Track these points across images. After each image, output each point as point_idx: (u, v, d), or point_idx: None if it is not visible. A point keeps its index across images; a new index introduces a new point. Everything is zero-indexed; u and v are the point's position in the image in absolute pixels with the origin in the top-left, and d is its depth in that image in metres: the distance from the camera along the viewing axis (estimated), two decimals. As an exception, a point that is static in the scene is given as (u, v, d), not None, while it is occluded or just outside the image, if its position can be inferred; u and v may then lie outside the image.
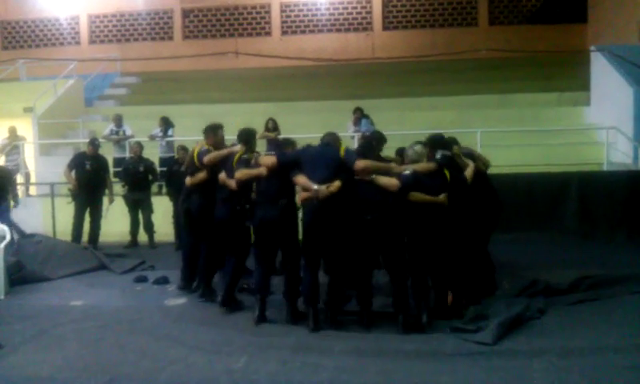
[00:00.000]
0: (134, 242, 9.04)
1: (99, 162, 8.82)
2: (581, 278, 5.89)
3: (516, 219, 8.61)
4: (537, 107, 12.25)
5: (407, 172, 5.01)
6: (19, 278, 6.92)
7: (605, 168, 9.80)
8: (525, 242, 8.27)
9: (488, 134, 10.11)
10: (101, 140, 10.99)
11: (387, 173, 5.00)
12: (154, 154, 10.16)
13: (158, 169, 9.54)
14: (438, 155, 5.37)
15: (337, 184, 4.88)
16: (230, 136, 8.40)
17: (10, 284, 6.65)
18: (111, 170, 9.87)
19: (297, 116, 12.07)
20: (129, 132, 10.88)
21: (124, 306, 6.04)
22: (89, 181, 8.63)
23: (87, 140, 9.46)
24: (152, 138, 10.68)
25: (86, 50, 16.71)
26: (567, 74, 13.24)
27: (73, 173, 8.68)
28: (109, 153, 10.72)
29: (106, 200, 8.86)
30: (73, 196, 8.68)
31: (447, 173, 5.18)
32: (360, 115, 10.39)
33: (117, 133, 10.79)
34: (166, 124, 10.65)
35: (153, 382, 4.19)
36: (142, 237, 9.15)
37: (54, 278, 7.16)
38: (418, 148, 5.26)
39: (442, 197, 5.05)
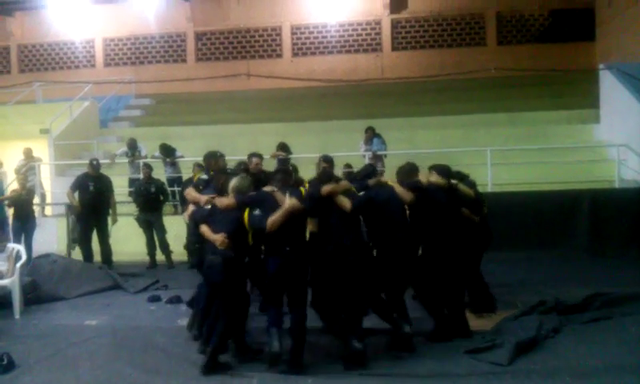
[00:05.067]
0: (152, 262, 9.10)
1: (102, 183, 8.92)
2: (593, 295, 5.84)
3: (527, 237, 8.63)
4: (546, 125, 12.26)
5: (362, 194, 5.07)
6: (34, 297, 7.01)
7: (616, 185, 9.76)
8: (536, 260, 8.26)
9: (498, 152, 10.13)
10: (117, 161, 11.18)
11: (349, 193, 4.95)
12: (159, 174, 10.21)
13: (169, 189, 9.65)
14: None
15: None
16: (242, 157, 8.55)
17: (25, 303, 6.74)
18: (126, 190, 10.00)
19: (308, 136, 12.17)
20: (144, 153, 11.02)
21: (138, 326, 6.10)
22: (93, 201, 8.73)
23: (105, 160, 9.57)
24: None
25: (101, 72, 17.00)
26: (576, 92, 13.26)
27: (76, 194, 8.78)
28: (124, 174, 10.88)
29: (110, 220, 8.94)
30: (77, 217, 8.79)
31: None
32: (372, 134, 10.47)
33: (132, 154, 10.93)
34: (166, 151, 10.69)
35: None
36: (159, 256, 9.21)
37: (69, 298, 7.25)
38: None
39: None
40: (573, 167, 10.35)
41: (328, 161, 6.56)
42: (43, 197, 11.29)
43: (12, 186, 10.23)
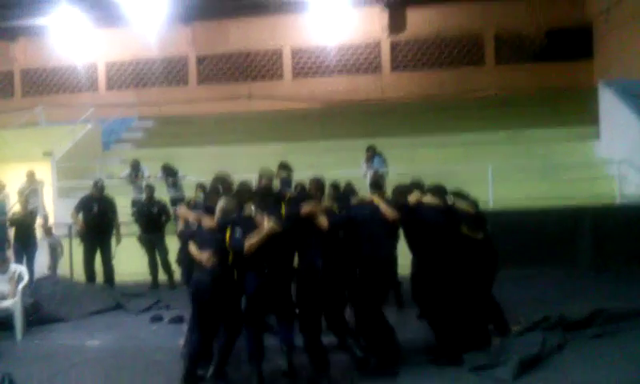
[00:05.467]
0: (154, 282, 9.08)
1: (106, 204, 8.96)
2: (597, 311, 5.82)
3: (529, 254, 8.59)
4: (546, 143, 12.29)
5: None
6: (36, 318, 7.01)
7: (617, 201, 9.77)
8: (538, 277, 8.22)
9: (498, 170, 10.16)
10: (117, 181, 11.25)
11: (329, 212, 4.97)
12: (162, 195, 10.24)
13: (171, 210, 9.67)
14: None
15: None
16: (243, 176, 8.58)
17: (27, 325, 6.73)
18: (129, 210, 10.02)
19: (310, 156, 12.21)
20: (147, 173, 11.07)
21: (140, 346, 6.08)
22: (96, 222, 8.75)
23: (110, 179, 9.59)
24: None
25: (103, 95, 17.17)
26: (576, 109, 13.32)
27: (80, 215, 8.82)
28: (127, 194, 10.91)
29: (114, 241, 8.96)
30: (81, 238, 8.82)
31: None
32: (373, 153, 10.51)
33: (135, 175, 10.98)
34: (168, 172, 10.75)
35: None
36: (161, 276, 9.20)
37: (71, 319, 7.25)
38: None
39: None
40: (573, 184, 10.36)
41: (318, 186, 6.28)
42: (46, 219, 11.31)
43: (14, 208, 10.27)
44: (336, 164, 10.52)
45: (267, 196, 5.09)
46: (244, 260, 4.72)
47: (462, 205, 5.59)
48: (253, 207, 4.87)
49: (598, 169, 11.15)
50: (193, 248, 4.93)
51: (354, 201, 5.37)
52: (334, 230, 4.90)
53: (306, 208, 4.85)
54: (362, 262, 5.05)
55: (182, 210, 5.64)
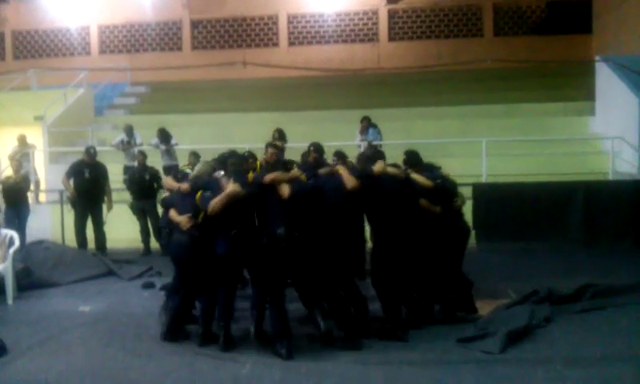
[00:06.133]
0: (146, 249, 9.07)
1: (98, 170, 8.89)
2: (585, 286, 5.87)
3: (521, 228, 8.65)
4: (542, 117, 12.27)
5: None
6: (27, 283, 7.00)
7: (610, 177, 9.79)
8: (530, 251, 8.31)
9: (493, 143, 10.14)
10: (109, 148, 11.16)
11: (294, 181, 4.94)
12: (155, 162, 10.17)
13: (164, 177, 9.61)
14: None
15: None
16: (238, 145, 8.54)
17: (18, 289, 6.73)
18: (121, 177, 9.96)
19: (304, 125, 12.13)
20: (139, 140, 10.97)
21: (131, 312, 6.09)
22: (88, 189, 8.71)
23: (102, 148, 9.52)
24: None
25: (96, 59, 16.88)
26: (572, 84, 13.26)
27: (71, 181, 8.76)
28: (119, 161, 10.83)
29: (105, 207, 8.91)
30: (72, 204, 8.77)
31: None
32: (367, 124, 10.44)
33: (128, 142, 10.88)
34: (164, 137, 10.66)
35: (159, 387, 4.23)
36: (153, 243, 9.19)
37: (62, 284, 7.24)
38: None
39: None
40: (568, 159, 10.37)
41: (318, 150, 6.34)
42: (37, 184, 11.24)
43: (6, 172, 10.19)
44: (330, 134, 10.44)
45: (239, 162, 5.20)
46: (213, 222, 4.87)
47: (419, 178, 5.47)
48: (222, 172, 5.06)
49: (592, 144, 11.15)
50: (173, 213, 5.15)
51: (322, 171, 5.27)
52: (299, 199, 4.85)
53: (268, 176, 4.86)
54: (326, 232, 5.01)
55: (168, 181, 5.71)
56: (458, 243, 5.70)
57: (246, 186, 4.85)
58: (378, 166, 5.19)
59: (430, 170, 5.76)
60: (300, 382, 4.26)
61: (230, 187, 4.81)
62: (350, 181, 4.98)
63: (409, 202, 5.24)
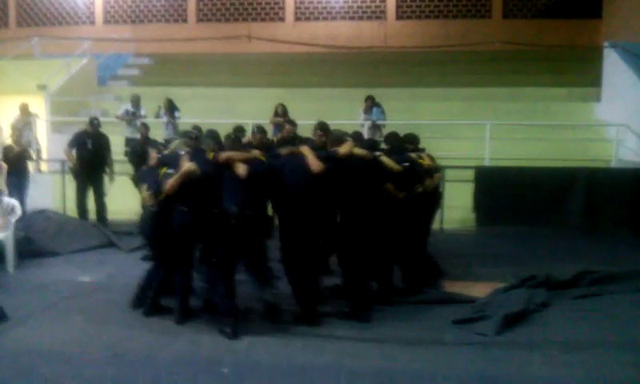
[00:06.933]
0: None
1: (101, 141, 8.85)
2: (583, 272, 5.91)
3: (521, 212, 8.66)
4: (547, 101, 12.17)
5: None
6: (28, 252, 7.04)
7: (613, 165, 9.75)
8: (530, 235, 8.31)
9: (497, 126, 10.09)
10: (111, 119, 11.12)
11: (252, 161, 4.91)
12: (157, 134, 10.14)
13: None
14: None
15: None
16: (242, 120, 8.50)
17: (18, 258, 6.77)
18: (123, 149, 9.94)
19: (308, 103, 12.08)
20: (143, 112, 10.93)
21: (130, 283, 6.08)
22: (90, 159, 8.68)
23: (105, 118, 9.46)
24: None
25: (100, 29, 16.75)
26: (579, 70, 13.14)
27: (74, 151, 8.74)
28: (121, 133, 10.80)
29: (107, 178, 8.91)
30: (74, 174, 8.77)
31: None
32: (371, 103, 10.37)
33: (134, 114, 10.83)
34: (171, 107, 10.65)
35: (157, 358, 4.28)
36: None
37: (63, 254, 7.29)
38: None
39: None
40: (571, 145, 10.32)
41: (324, 129, 6.35)
42: (39, 153, 11.23)
43: (8, 140, 10.17)
44: (334, 112, 10.39)
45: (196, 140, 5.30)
46: (172, 198, 4.93)
47: (387, 161, 5.43)
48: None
49: (596, 131, 11.09)
50: (143, 187, 5.23)
51: (283, 151, 5.22)
52: (255, 179, 4.83)
53: (223, 154, 4.86)
54: (282, 213, 5.02)
55: (152, 154, 5.68)
56: (421, 224, 5.79)
57: (203, 165, 4.87)
58: (343, 148, 5.11)
59: (401, 152, 5.74)
60: (296, 356, 4.30)
61: (185, 166, 4.86)
62: (315, 164, 4.91)
63: (375, 183, 5.24)
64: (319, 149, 5.28)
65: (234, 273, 4.92)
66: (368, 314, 5.06)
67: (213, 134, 5.40)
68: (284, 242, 5.03)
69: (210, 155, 4.98)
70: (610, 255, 7.30)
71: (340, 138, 5.33)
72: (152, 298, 5.15)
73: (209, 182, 4.87)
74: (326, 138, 5.53)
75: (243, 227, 4.76)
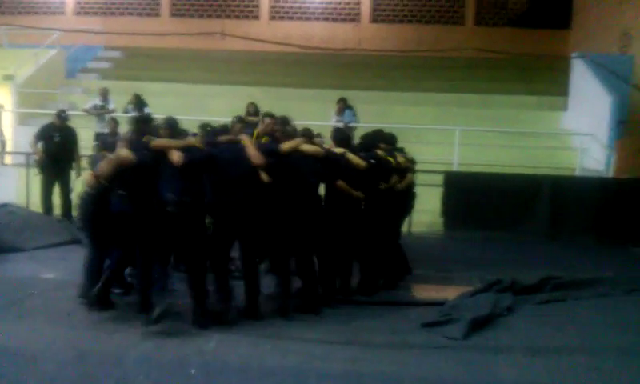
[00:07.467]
0: None
1: (68, 134, 8.66)
2: (547, 277, 6.03)
3: (488, 218, 8.81)
4: (517, 109, 12.43)
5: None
6: (-9, 247, 6.84)
7: (577, 173, 10.01)
8: (496, 241, 8.46)
9: (467, 132, 10.25)
10: (81, 112, 10.88)
11: (188, 149, 4.87)
12: (126, 130, 9.97)
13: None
14: None
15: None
16: (213, 118, 8.42)
17: (-19, 253, 6.58)
18: (90, 144, 9.73)
19: (280, 102, 12.00)
20: (112, 106, 10.73)
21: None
22: (57, 153, 8.49)
23: (74, 112, 9.28)
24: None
25: (70, 20, 16.35)
26: (548, 79, 13.44)
27: (40, 144, 8.53)
28: (89, 127, 10.58)
29: (74, 173, 8.73)
30: (40, 168, 8.56)
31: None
32: (344, 105, 10.39)
33: (102, 107, 10.62)
34: (139, 103, 10.47)
35: (122, 359, 4.19)
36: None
37: (26, 250, 7.09)
38: None
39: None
40: (538, 152, 10.55)
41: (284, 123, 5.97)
42: (3, 145, 10.93)
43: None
44: (306, 113, 10.37)
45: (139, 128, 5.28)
46: (110, 182, 4.95)
47: (353, 158, 5.44)
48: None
49: (562, 139, 11.36)
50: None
51: (222, 138, 5.14)
52: (192, 166, 4.79)
53: (157, 141, 4.83)
54: (213, 204, 4.95)
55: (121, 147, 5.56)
56: (385, 224, 5.82)
57: (138, 151, 4.83)
58: (286, 144, 5.08)
59: (368, 149, 5.77)
60: (264, 358, 4.29)
61: (118, 153, 4.91)
62: (255, 157, 4.87)
63: (325, 181, 5.24)
64: (271, 138, 5.28)
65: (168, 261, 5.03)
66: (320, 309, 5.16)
67: (170, 122, 5.22)
68: (212, 233, 5.00)
69: (146, 141, 4.92)
70: (573, 261, 7.49)
71: (290, 134, 5.30)
72: (99, 289, 5.05)
73: (146, 168, 4.84)
74: (280, 131, 5.44)
75: (182, 214, 4.71)
